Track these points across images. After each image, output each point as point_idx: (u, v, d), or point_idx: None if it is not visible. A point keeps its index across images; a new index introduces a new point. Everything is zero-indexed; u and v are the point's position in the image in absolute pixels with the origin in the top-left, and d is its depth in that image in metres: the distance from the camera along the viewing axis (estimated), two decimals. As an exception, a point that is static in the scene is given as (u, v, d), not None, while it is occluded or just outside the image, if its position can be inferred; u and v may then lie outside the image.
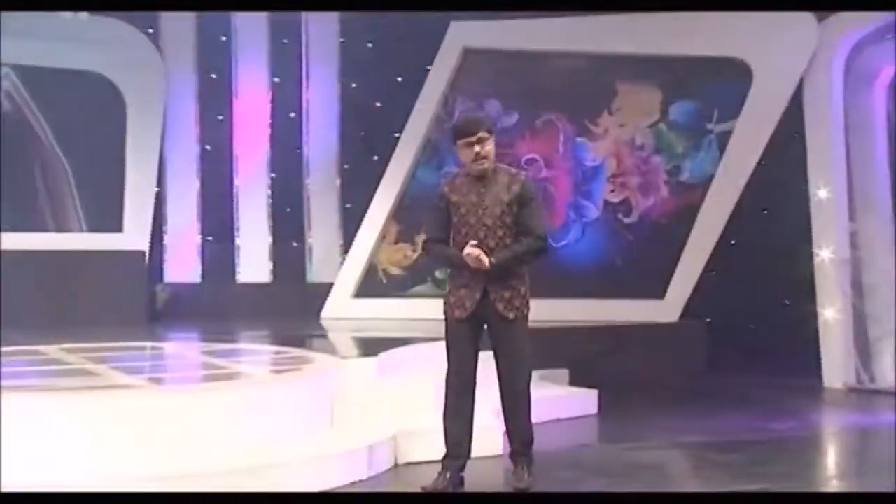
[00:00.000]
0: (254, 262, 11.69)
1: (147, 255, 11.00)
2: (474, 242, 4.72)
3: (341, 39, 12.07)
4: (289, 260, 11.80)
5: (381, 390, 6.32)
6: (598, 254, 10.62)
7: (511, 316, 4.83)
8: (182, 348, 7.12)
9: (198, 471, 4.63)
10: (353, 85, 12.05)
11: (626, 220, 10.59)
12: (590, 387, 8.08)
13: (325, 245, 11.80)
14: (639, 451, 6.37)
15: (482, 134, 4.82)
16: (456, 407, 4.96)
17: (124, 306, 10.32)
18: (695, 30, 10.06)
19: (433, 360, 7.25)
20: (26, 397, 4.91)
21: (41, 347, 7.07)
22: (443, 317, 4.95)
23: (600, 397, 7.91)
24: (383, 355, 6.66)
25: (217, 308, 11.08)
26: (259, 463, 4.85)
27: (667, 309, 10.28)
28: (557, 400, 7.67)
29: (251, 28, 11.82)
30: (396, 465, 5.71)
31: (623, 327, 10.04)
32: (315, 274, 11.79)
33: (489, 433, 6.04)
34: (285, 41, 11.94)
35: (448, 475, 5.04)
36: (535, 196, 4.94)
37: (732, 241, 11.27)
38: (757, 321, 10.81)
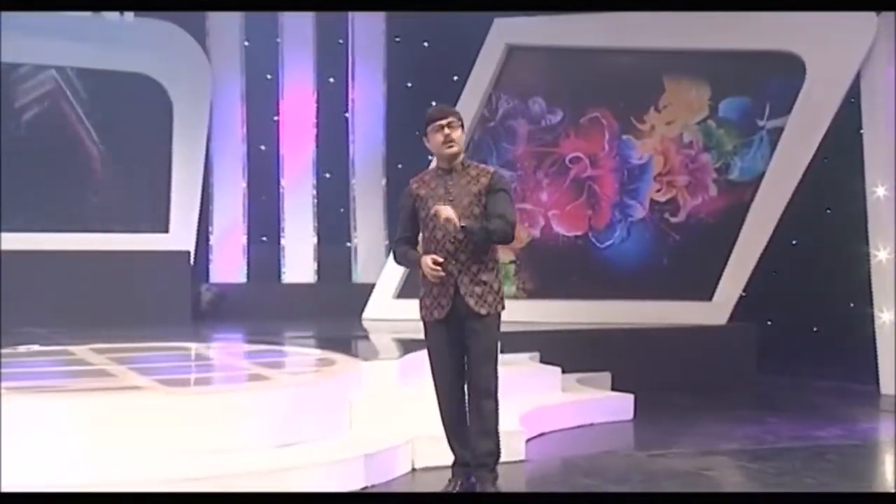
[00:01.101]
0: (299, 263, 11.68)
1: (192, 255, 11.06)
2: (434, 257, 4.58)
3: (397, 38, 12.00)
4: (334, 260, 11.78)
5: (403, 393, 6.21)
6: (643, 254, 10.37)
7: (483, 311, 4.67)
8: (208, 349, 7.09)
9: (207, 474, 4.55)
10: (409, 84, 11.97)
11: (673, 220, 10.32)
12: (633, 391, 7.89)
13: (371, 245, 11.74)
14: (666, 458, 6.16)
15: (452, 119, 4.74)
16: (451, 415, 4.81)
17: (169, 306, 10.40)
18: (745, 23, 9.75)
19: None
20: (29, 398, 4.90)
21: (72, 348, 7.11)
22: (420, 322, 4.79)
23: (637, 402, 7.69)
24: (405, 358, 6.54)
25: (262, 308, 11.09)
26: (271, 466, 4.76)
27: (715, 311, 9.99)
28: (591, 404, 7.50)
29: (298, 29, 11.83)
30: (414, 470, 5.60)
31: (669, 330, 9.79)
32: (360, 274, 11.74)
33: (513, 438, 5.93)
34: (340, 41, 11.90)
35: (459, 482, 4.94)
36: (505, 187, 4.79)
37: (794, 242, 10.96)
38: (811, 324, 10.48)
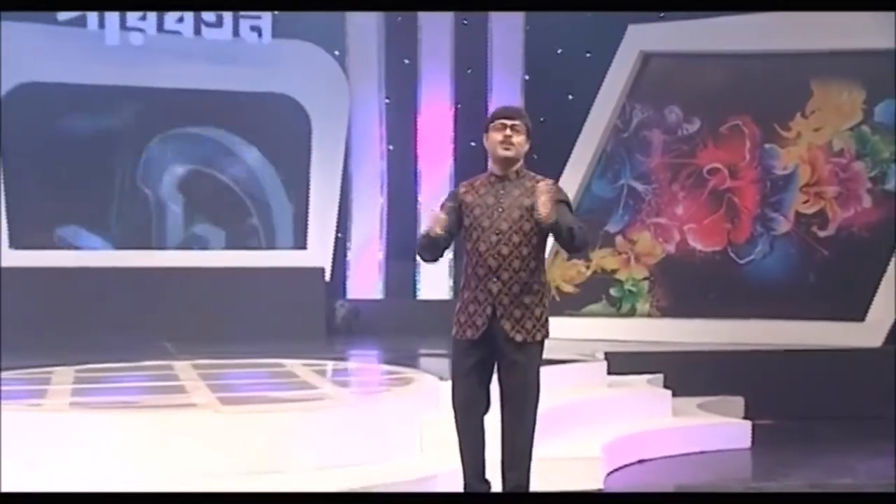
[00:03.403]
0: (435, 279, 11.61)
1: (328, 271, 11.18)
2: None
3: (525, 51, 11.78)
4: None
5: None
6: (788, 271, 9.68)
7: (518, 338, 4.28)
8: (299, 366, 7.08)
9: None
10: (546, 100, 11.67)
11: (821, 234, 9.60)
12: (770, 419, 7.35)
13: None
14: (757, 490, 5.65)
15: (517, 122, 4.37)
16: (470, 450, 4.38)
17: (304, 322, 10.52)
18: (901, 19, 8.99)
19: (545, 387, 6.86)
20: (78, 414, 4.99)
21: (177, 363, 7.27)
22: (452, 339, 4.41)
23: (762, 429, 7.16)
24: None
25: (398, 324, 11.05)
26: (327, 488, 4.61)
27: (868, 332, 9.21)
28: (702, 430, 7.06)
29: (436, 45, 11.79)
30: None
31: (815, 352, 9.04)
32: (496, 291, 11.51)
33: (590, 465, 5.61)
34: (468, 71, 11.81)
35: None
36: (566, 199, 4.41)
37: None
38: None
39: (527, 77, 11.76)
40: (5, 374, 6.56)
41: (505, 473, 4.38)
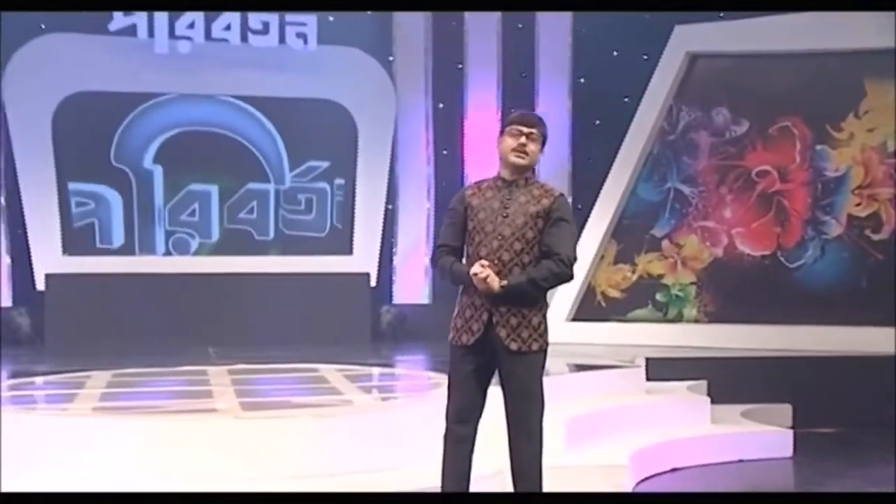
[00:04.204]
0: (481, 284, 11.53)
1: (374, 276, 11.19)
2: (484, 263, 4.08)
3: (573, 53, 11.67)
4: (517, 281, 11.53)
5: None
6: (839, 275, 9.43)
7: (514, 347, 4.14)
8: (332, 372, 7.07)
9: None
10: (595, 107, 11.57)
11: (875, 237, 9.33)
12: (818, 427, 7.15)
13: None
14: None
15: (534, 131, 4.23)
16: (453, 459, 4.25)
17: (349, 327, 10.57)
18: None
19: (579, 394, 6.78)
20: (100, 419, 5.03)
21: (212, 368, 7.32)
22: (449, 343, 4.26)
23: (806, 438, 6.97)
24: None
25: (444, 329, 10.97)
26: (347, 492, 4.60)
27: (923, 338, 8.90)
28: (740, 438, 6.90)
29: (482, 50, 11.75)
30: (504, 501, 5.28)
31: (867, 359, 8.77)
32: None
33: (617, 473, 5.51)
34: (523, 75, 11.74)
35: None
36: (568, 218, 4.21)
37: None
38: None
39: (582, 80, 11.63)
40: (45, 379, 6.67)
41: (516, 484, 4.29)
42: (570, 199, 11.54)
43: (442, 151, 11.78)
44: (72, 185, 10.79)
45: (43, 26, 10.60)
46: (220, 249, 11.14)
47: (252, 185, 11.20)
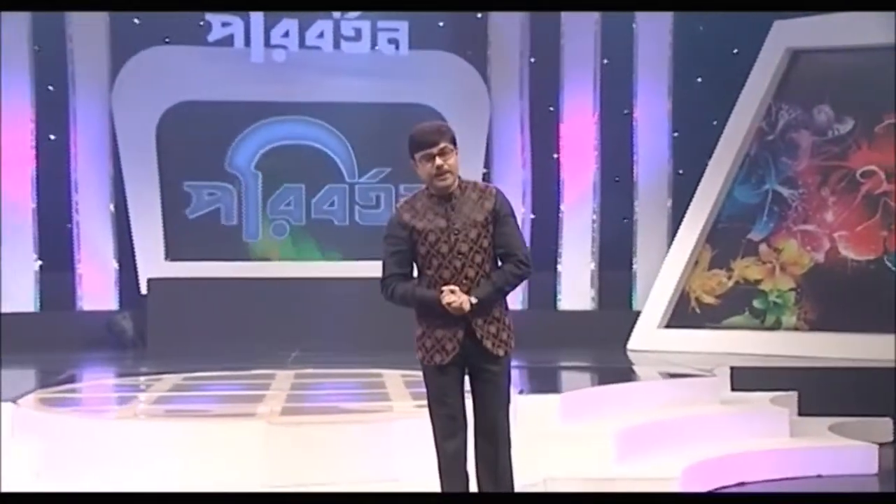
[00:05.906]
0: (576, 289, 11.33)
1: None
2: (454, 289, 3.97)
3: (673, 53, 11.32)
4: (613, 287, 11.28)
5: (556, 430, 5.74)
6: (951, 282, 8.85)
7: (501, 352, 4.11)
8: (394, 377, 7.01)
9: None
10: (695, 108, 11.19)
11: None
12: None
13: (652, 271, 11.07)
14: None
15: (444, 145, 4.06)
16: (450, 479, 4.13)
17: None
18: None
19: (627, 404, 6.52)
20: (144, 421, 5.10)
21: (281, 372, 7.38)
22: (419, 365, 4.16)
23: (886, 455, 6.55)
24: (569, 394, 6.04)
25: (536, 335, 10.78)
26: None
27: None
28: (819, 453, 6.56)
29: (579, 50, 11.54)
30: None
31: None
32: (640, 302, 11.12)
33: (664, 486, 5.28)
34: (621, 76, 11.48)
35: None
36: (510, 211, 4.14)
37: None
38: None
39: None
40: (116, 381, 6.86)
41: (488, 485, 4.14)
42: (669, 203, 11.29)
43: (536, 155, 11.62)
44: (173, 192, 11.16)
45: (167, 39, 11.02)
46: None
47: (330, 186, 11.41)
